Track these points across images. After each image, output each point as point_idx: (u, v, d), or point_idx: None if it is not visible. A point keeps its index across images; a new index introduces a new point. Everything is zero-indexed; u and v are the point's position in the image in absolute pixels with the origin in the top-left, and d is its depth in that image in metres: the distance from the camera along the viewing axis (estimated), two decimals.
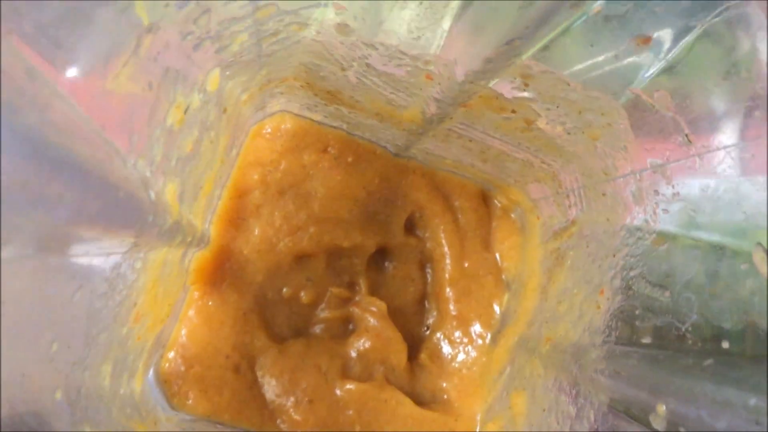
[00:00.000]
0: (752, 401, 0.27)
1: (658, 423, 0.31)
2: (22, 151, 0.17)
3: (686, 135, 0.32)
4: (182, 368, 0.44)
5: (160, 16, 0.27)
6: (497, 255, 0.50)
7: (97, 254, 0.28)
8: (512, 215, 0.50)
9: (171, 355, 0.44)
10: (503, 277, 0.50)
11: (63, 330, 0.28)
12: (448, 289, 0.50)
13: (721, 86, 0.30)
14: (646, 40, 0.30)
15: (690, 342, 0.32)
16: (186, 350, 0.44)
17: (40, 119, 0.18)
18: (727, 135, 0.30)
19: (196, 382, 0.44)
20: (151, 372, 0.43)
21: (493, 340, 0.48)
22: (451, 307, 0.49)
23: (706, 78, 0.30)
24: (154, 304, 0.38)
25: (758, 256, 0.29)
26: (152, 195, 0.30)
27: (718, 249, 0.32)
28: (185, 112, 0.32)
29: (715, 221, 0.32)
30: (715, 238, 0.32)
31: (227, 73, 0.36)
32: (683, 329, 0.33)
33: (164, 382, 0.44)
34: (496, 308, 0.49)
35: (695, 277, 0.33)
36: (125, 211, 0.26)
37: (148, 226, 0.30)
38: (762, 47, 0.27)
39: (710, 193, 0.32)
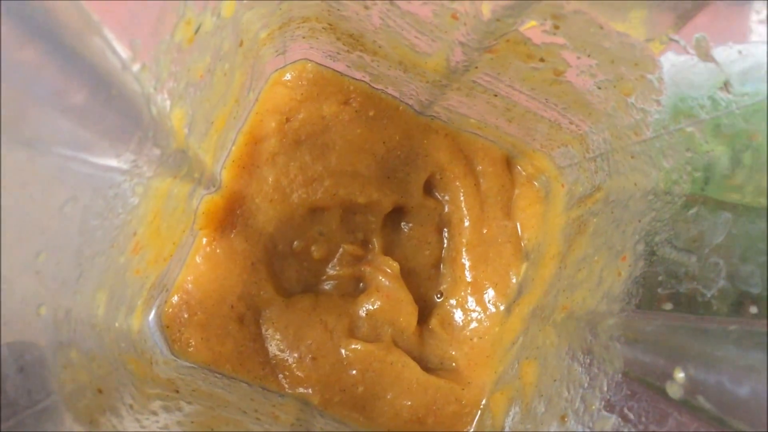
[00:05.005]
0: None
1: (674, 390, 0.29)
2: None
3: (725, 83, 0.29)
4: (186, 315, 0.43)
5: None
6: (518, 223, 0.48)
7: (93, 164, 0.27)
8: (536, 183, 0.48)
9: (175, 300, 0.43)
10: (522, 245, 0.48)
11: (51, 242, 0.27)
12: (464, 255, 0.48)
13: None
14: None
15: (715, 308, 0.30)
16: (191, 297, 0.43)
17: None
18: None
19: (198, 329, 0.43)
20: (152, 314, 0.42)
21: (508, 309, 0.46)
22: (467, 273, 0.48)
23: None
24: (157, 237, 0.37)
25: None
26: (154, 110, 0.28)
27: (751, 211, 0.30)
28: (196, 31, 0.31)
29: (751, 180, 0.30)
30: (747, 199, 0.30)
31: (244, 0, 0.35)
32: (708, 295, 0.30)
33: (166, 326, 0.43)
34: (513, 278, 0.47)
35: (724, 241, 0.31)
36: (119, 116, 0.25)
37: (148, 144, 0.29)
38: None
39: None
